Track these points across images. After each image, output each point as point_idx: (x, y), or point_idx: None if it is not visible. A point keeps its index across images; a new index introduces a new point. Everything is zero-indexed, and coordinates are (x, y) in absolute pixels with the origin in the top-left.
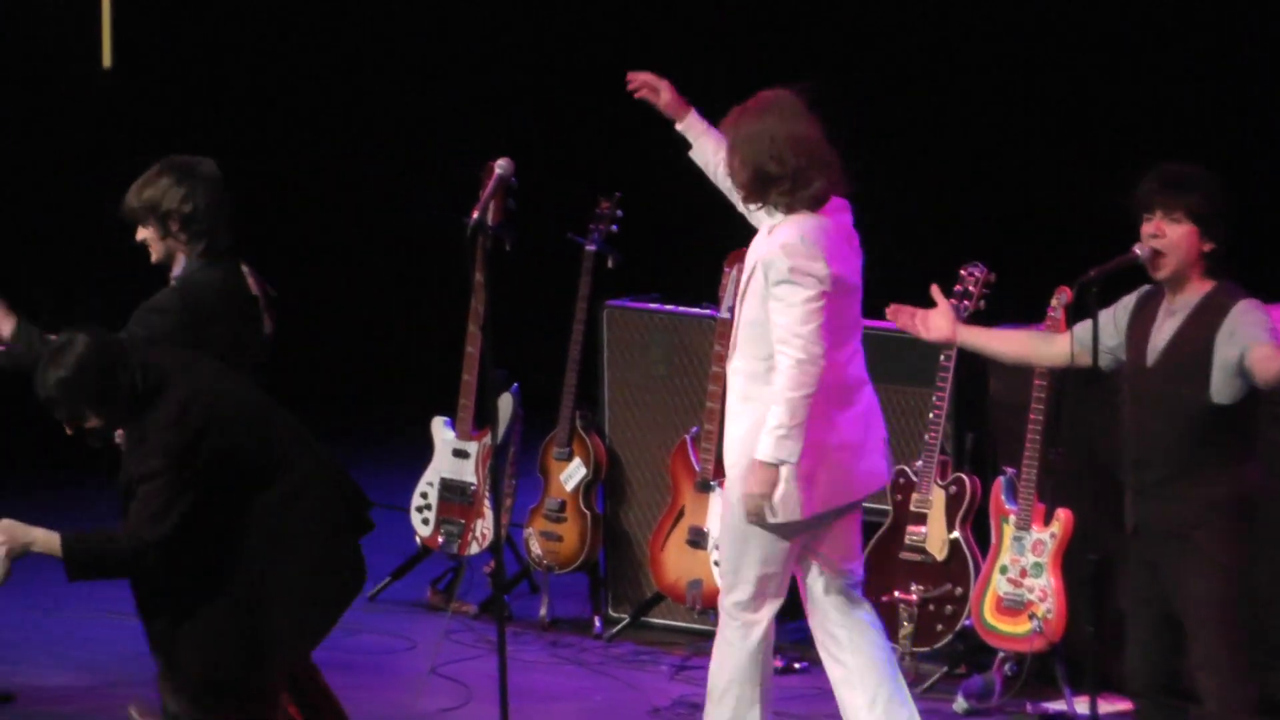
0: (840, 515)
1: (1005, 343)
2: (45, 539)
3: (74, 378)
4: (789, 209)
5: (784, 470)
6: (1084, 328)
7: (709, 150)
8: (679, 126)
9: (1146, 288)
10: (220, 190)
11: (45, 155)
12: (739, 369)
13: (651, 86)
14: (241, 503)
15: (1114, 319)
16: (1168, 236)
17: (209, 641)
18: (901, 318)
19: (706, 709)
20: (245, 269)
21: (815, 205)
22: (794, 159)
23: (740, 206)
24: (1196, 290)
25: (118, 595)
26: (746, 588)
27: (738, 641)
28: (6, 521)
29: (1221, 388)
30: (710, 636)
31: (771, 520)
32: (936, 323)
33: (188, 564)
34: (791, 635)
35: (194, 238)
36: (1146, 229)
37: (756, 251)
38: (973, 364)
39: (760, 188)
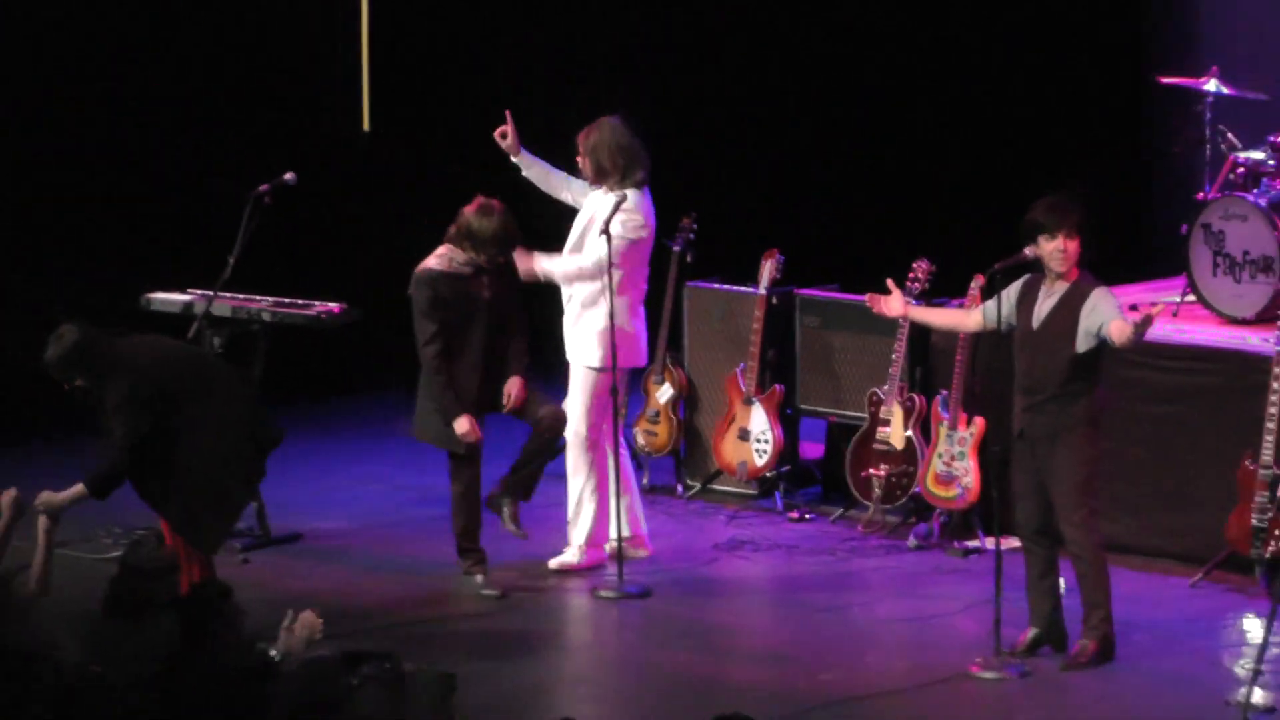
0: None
1: (938, 317)
2: (72, 494)
3: (67, 355)
4: (620, 186)
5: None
6: (990, 306)
7: (536, 175)
8: (515, 159)
9: (1027, 276)
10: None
11: (309, 214)
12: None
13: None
14: (180, 420)
15: (1007, 297)
16: (1067, 250)
17: (184, 503)
18: (872, 303)
19: (573, 517)
20: None
21: (639, 186)
22: (622, 161)
23: (572, 198)
24: (1068, 278)
25: (373, 468)
26: (588, 424)
27: (586, 462)
28: (44, 494)
29: (1083, 343)
30: (749, 499)
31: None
32: (892, 304)
33: (158, 457)
34: (805, 496)
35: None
36: (1052, 245)
37: (594, 204)
38: (919, 325)
39: (600, 177)
